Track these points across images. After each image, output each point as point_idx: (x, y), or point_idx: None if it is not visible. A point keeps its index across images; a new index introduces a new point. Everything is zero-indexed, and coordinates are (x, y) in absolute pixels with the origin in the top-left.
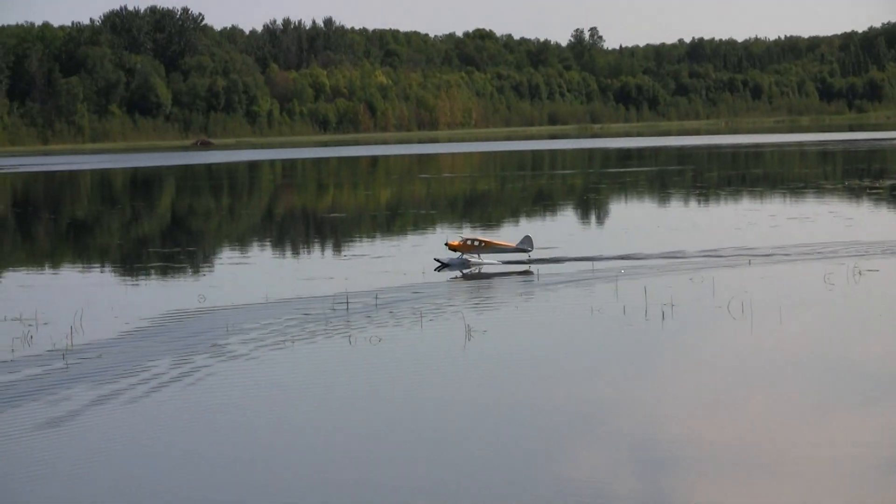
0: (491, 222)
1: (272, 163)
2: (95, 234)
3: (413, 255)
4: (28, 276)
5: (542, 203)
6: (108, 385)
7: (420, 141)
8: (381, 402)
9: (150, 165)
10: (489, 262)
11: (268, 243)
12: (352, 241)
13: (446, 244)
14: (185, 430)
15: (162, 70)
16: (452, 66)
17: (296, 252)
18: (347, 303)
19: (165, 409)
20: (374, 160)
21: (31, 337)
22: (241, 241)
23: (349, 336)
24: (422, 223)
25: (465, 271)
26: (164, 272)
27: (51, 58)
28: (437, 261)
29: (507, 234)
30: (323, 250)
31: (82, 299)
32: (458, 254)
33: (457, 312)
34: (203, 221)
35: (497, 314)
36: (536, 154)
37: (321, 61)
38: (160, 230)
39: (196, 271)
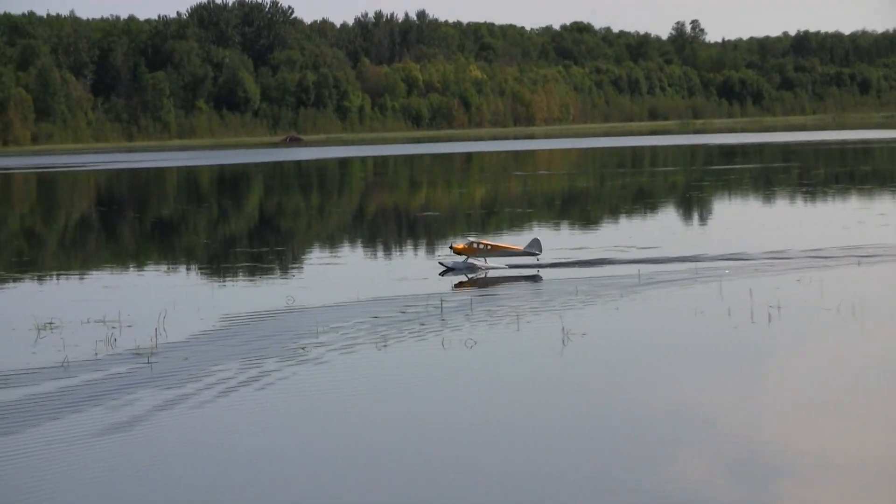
0: (589, 221)
1: (363, 160)
2: (181, 234)
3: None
4: (112, 276)
5: (643, 201)
6: (191, 386)
7: (516, 137)
8: (474, 409)
9: (237, 162)
10: (496, 267)
11: (359, 243)
12: (446, 240)
13: (451, 247)
14: (268, 433)
15: (250, 64)
16: (549, 60)
17: (388, 252)
18: (442, 304)
19: (250, 411)
20: (469, 157)
21: (115, 339)
22: (332, 241)
23: (442, 338)
24: (518, 222)
25: (470, 276)
26: (251, 272)
27: (136, 52)
28: (442, 265)
29: (609, 234)
30: (416, 250)
31: (167, 300)
32: (463, 257)
33: (555, 313)
34: (292, 220)
35: (596, 316)
36: (637, 150)
37: (414, 55)
38: (248, 229)
39: (285, 271)
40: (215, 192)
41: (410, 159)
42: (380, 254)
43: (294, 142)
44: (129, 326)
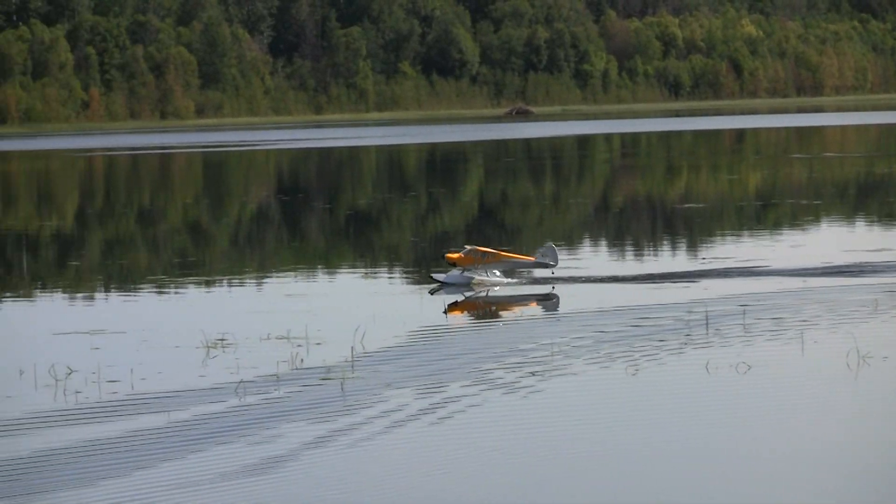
0: (893, 217)
1: (608, 137)
2: (382, 229)
3: (793, 257)
4: (297, 282)
5: None
6: (389, 413)
7: (799, 110)
8: (744, 462)
9: (450, 140)
10: (502, 280)
11: (602, 240)
12: (711, 238)
13: (445, 257)
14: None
15: (467, 18)
16: (841, 14)
17: (638, 252)
18: (707, 316)
19: (468, 441)
20: (740, 134)
21: (301, 359)
22: (568, 238)
23: (707, 360)
24: (802, 217)
25: (467, 294)
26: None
27: (325, 3)
28: (433, 278)
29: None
30: (674, 250)
31: (365, 312)
32: (458, 269)
33: (849, 328)
34: (519, 212)
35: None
36: None
37: (671, 7)
38: (464, 224)
39: (510, 273)
40: (423, 178)
41: (667, 137)
42: (628, 255)
43: (521, 114)
44: (318, 344)
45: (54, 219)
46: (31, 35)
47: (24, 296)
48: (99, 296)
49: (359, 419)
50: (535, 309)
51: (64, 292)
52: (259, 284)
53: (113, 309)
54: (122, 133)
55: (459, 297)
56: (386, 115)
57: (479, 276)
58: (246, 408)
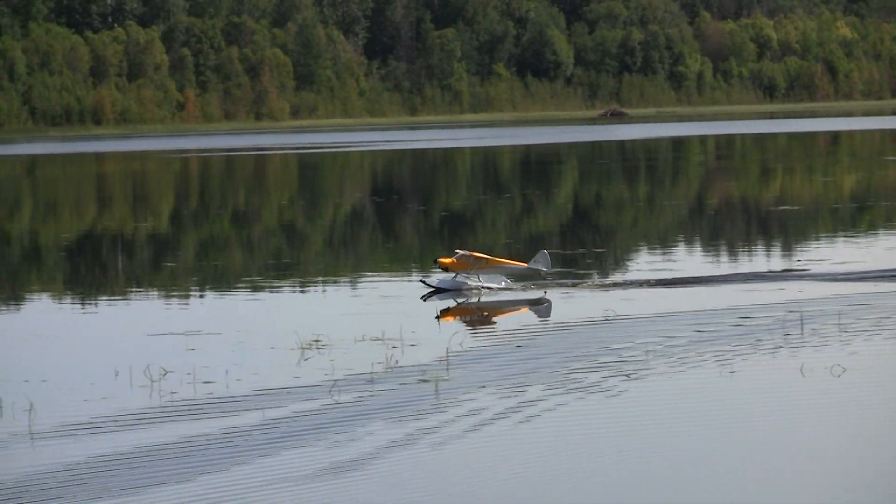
0: None
1: (702, 139)
2: (476, 230)
3: (889, 259)
4: (391, 283)
5: None
6: (487, 415)
7: (894, 112)
8: (827, 459)
9: (545, 142)
10: (493, 286)
11: (696, 244)
12: (806, 241)
13: (436, 262)
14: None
15: (562, 20)
16: None
17: (733, 254)
18: (802, 318)
19: (573, 443)
20: (835, 137)
21: (396, 361)
22: (662, 241)
23: (802, 363)
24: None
25: (459, 300)
26: (563, 278)
27: (420, 4)
28: (424, 283)
29: None
30: (769, 251)
31: (463, 311)
32: (451, 274)
33: None
34: (614, 215)
35: None
36: None
37: (766, 9)
38: (559, 226)
39: (604, 275)
40: (518, 179)
41: (761, 139)
42: (722, 257)
43: (616, 116)
44: (413, 346)
45: (150, 220)
46: (127, 37)
47: (120, 297)
48: (194, 297)
49: (451, 419)
50: (628, 308)
51: (159, 293)
52: (354, 286)
53: (208, 310)
54: (217, 134)
55: (451, 303)
56: (480, 116)
57: (471, 282)
58: (339, 407)
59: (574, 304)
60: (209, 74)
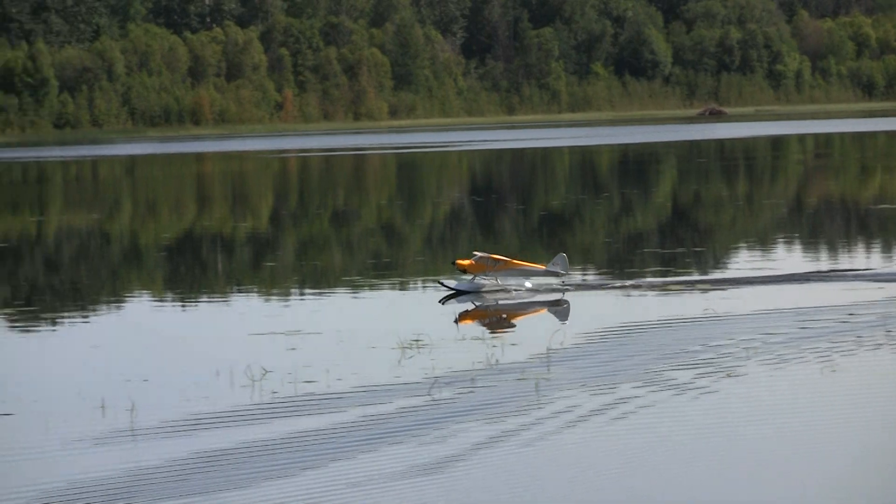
0: None
1: (801, 138)
2: (575, 230)
3: None
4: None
5: None
6: (582, 413)
7: None
8: None
9: (643, 141)
10: (513, 288)
11: (796, 242)
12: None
13: (454, 263)
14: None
15: (659, 19)
16: None
17: (832, 252)
18: None
19: (677, 441)
20: None
21: (496, 360)
22: (762, 240)
23: None
24: None
25: (477, 304)
26: (661, 276)
27: (517, 4)
28: (442, 285)
29: None
30: (868, 250)
31: (564, 310)
32: (468, 277)
33: None
34: (713, 214)
35: None
36: None
37: (864, 7)
38: (657, 225)
39: (703, 272)
40: (616, 178)
41: (860, 137)
42: (821, 254)
43: (714, 115)
44: (514, 345)
45: (249, 220)
46: (225, 37)
47: (220, 297)
48: (294, 297)
49: (549, 417)
50: (727, 306)
51: (259, 293)
52: None
53: (308, 310)
54: (316, 134)
55: (470, 306)
56: (578, 115)
57: (488, 283)
58: (439, 405)
59: (672, 301)
60: (307, 74)
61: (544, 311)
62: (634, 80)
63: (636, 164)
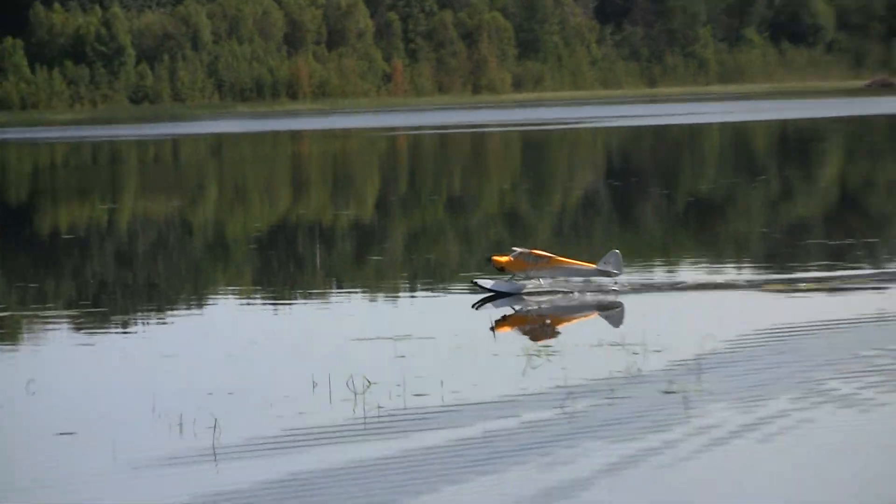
0: None
1: None
2: (726, 218)
3: None
4: (637, 278)
5: None
6: (734, 429)
7: None
8: None
9: (804, 116)
10: (560, 290)
11: None
12: None
13: (490, 259)
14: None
15: None
16: None
17: None
18: None
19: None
20: None
21: (637, 369)
22: None
23: None
24: None
25: (517, 307)
26: (828, 270)
27: None
28: (477, 285)
29: None
30: None
31: (707, 313)
32: (507, 276)
33: None
34: (885, 199)
35: None
36: None
37: None
38: (822, 213)
39: (877, 267)
40: (774, 159)
41: None
42: None
43: (885, 86)
44: (658, 351)
45: (352, 207)
46: (326, 0)
47: (318, 297)
48: (403, 296)
49: (696, 434)
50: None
51: (363, 292)
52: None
53: (419, 311)
54: (429, 110)
55: (509, 311)
56: (729, 88)
57: (530, 283)
58: (574, 419)
59: (836, 301)
60: (420, 42)
61: (596, 315)
62: (793, 47)
63: (796, 143)
